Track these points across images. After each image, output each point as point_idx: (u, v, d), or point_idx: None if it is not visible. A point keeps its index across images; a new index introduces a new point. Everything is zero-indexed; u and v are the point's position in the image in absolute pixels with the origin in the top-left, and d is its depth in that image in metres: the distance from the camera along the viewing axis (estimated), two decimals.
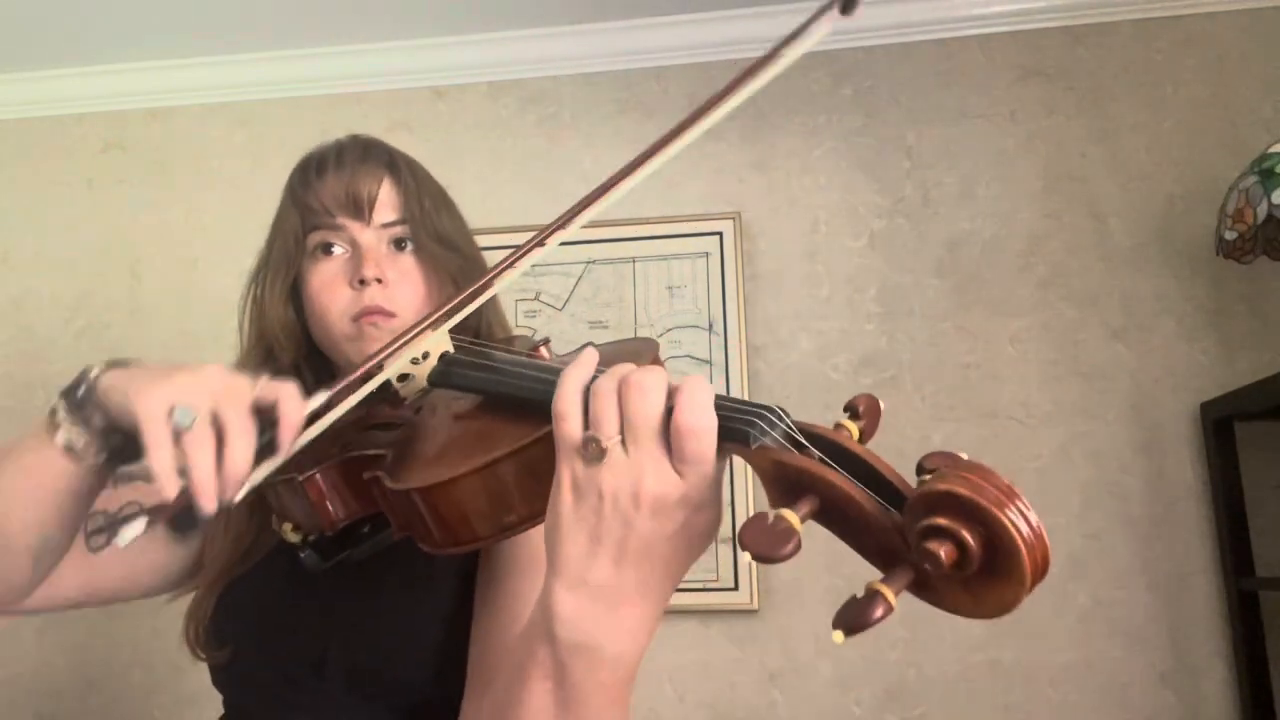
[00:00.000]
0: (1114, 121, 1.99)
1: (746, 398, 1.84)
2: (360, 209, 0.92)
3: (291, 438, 0.67)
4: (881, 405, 0.54)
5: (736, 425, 0.51)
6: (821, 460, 0.48)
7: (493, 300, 1.00)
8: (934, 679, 1.82)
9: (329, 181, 0.94)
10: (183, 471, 0.63)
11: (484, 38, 2.17)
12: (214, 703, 0.95)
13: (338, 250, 0.93)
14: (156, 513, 0.63)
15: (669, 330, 2.00)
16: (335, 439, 0.77)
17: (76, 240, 2.26)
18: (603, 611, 0.55)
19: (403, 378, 0.76)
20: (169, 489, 0.63)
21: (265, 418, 0.67)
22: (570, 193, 2.12)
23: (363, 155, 0.97)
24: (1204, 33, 2.00)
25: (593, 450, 0.53)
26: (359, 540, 0.85)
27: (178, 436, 0.64)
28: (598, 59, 2.17)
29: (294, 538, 0.82)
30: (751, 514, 0.47)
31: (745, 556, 0.45)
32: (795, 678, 1.84)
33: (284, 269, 0.95)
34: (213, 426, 0.64)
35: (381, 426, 0.78)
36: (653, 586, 0.55)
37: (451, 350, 0.77)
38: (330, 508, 0.76)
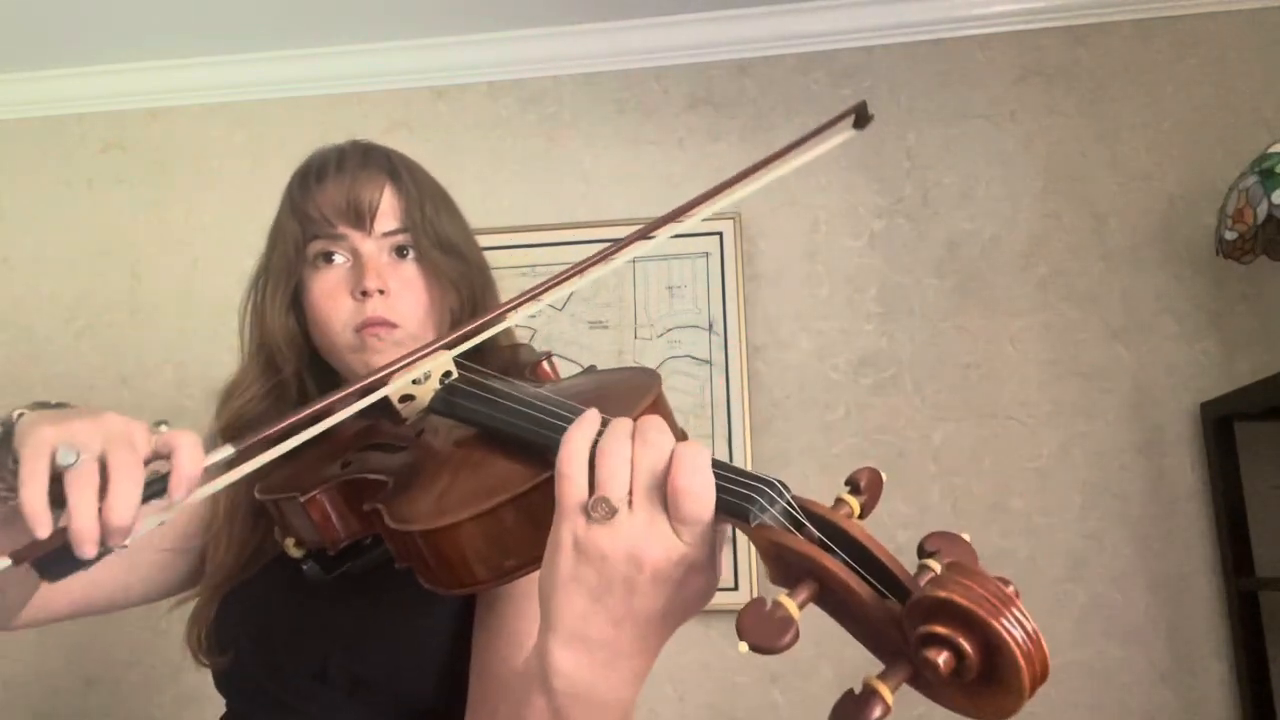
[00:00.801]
0: (1114, 121, 1.99)
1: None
2: (361, 218, 0.91)
3: (183, 490, 0.63)
4: (883, 478, 0.54)
5: (736, 501, 0.51)
6: (821, 543, 0.48)
7: (494, 300, 1.00)
8: None
9: (329, 190, 0.92)
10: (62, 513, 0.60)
11: (484, 38, 2.17)
12: (214, 702, 0.95)
13: (339, 259, 0.92)
14: (26, 552, 0.59)
15: (669, 330, 2.00)
16: (337, 456, 0.77)
17: (76, 240, 2.26)
18: (599, 665, 0.55)
19: (405, 398, 0.76)
20: (39, 527, 0.59)
21: (161, 465, 0.64)
22: (570, 193, 2.12)
23: (363, 162, 0.95)
24: (1204, 33, 2.00)
25: (602, 511, 0.53)
26: (361, 553, 0.85)
27: (58, 475, 0.60)
28: (598, 59, 2.17)
29: (296, 552, 0.82)
30: (752, 597, 0.47)
31: (742, 647, 0.45)
32: (795, 678, 1.84)
33: (284, 278, 0.94)
34: (98, 467, 0.60)
35: (382, 447, 0.77)
36: (650, 642, 0.55)
37: (454, 372, 0.76)
38: (332, 527, 0.75)
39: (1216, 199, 1.80)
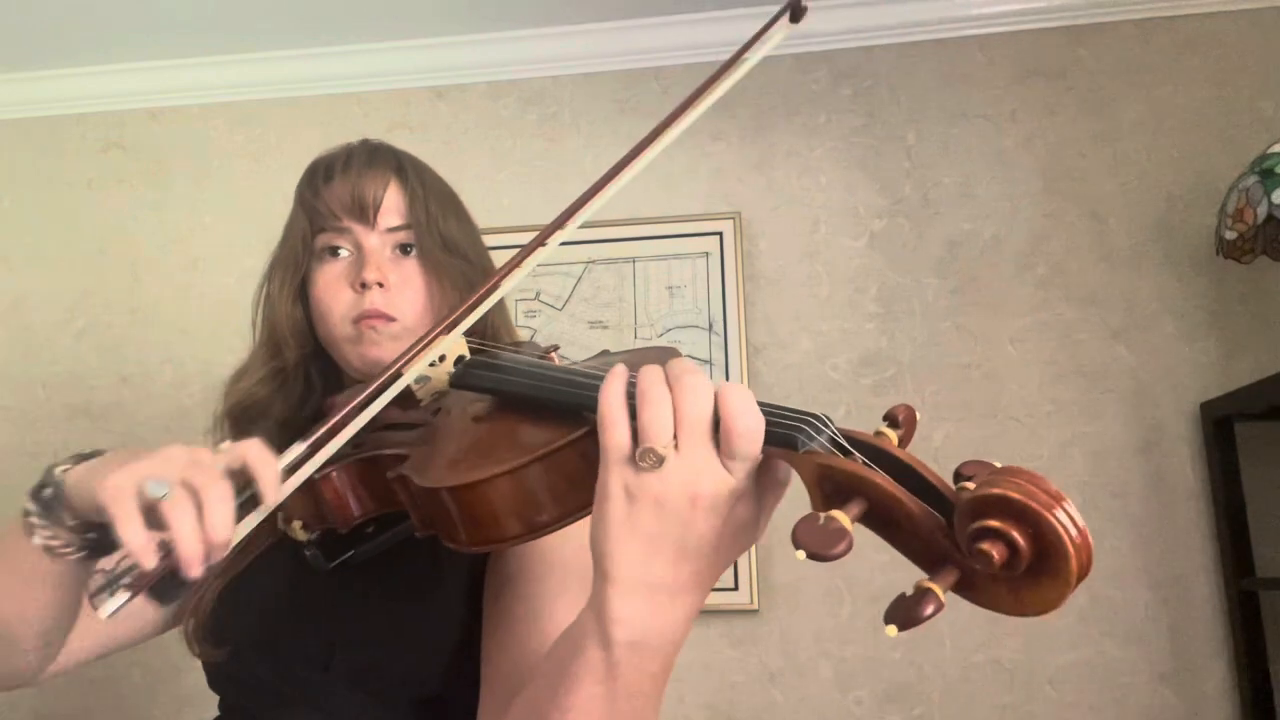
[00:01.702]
0: (1114, 121, 1.99)
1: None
2: (365, 212, 0.93)
3: (275, 493, 0.65)
4: (918, 415, 0.56)
5: (784, 431, 0.53)
6: (866, 464, 0.50)
7: (500, 306, 1.00)
8: (934, 679, 1.82)
9: (335, 185, 0.95)
10: (162, 543, 0.62)
11: (484, 38, 2.17)
12: (213, 703, 0.95)
13: (343, 253, 0.95)
14: (141, 583, 0.62)
15: (669, 330, 2.00)
16: (350, 440, 0.78)
17: (76, 240, 2.26)
18: (661, 607, 0.56)
19: (419, 380, 0.77)
20: (147, 561, 0.61)
21: (240, 480, 0.66)
22: (571, 193, 2.11)
23: (369, 159, 0.97)
24: (1204, 33, 2.00)
25: (650, 459, 0.54)
26: (363, 540, 0.85)
27: (152, 509, 0.62)
28: (598, 59, 2.17)
29: (302, 535, 0.82)
30: (803, 515, 0.48)
31: (800, 554, 0.47)
32: (795, 678, 1.84)
33: (293, 269, 0.96)
34: (188, 493, 0.63)
35: (397, 427, 0.78)
36: (706, 575, 0.56)
37: (467, 353, 0.77)
38: (347, 505, 0.76)
39: (1216, 199, 1.80)
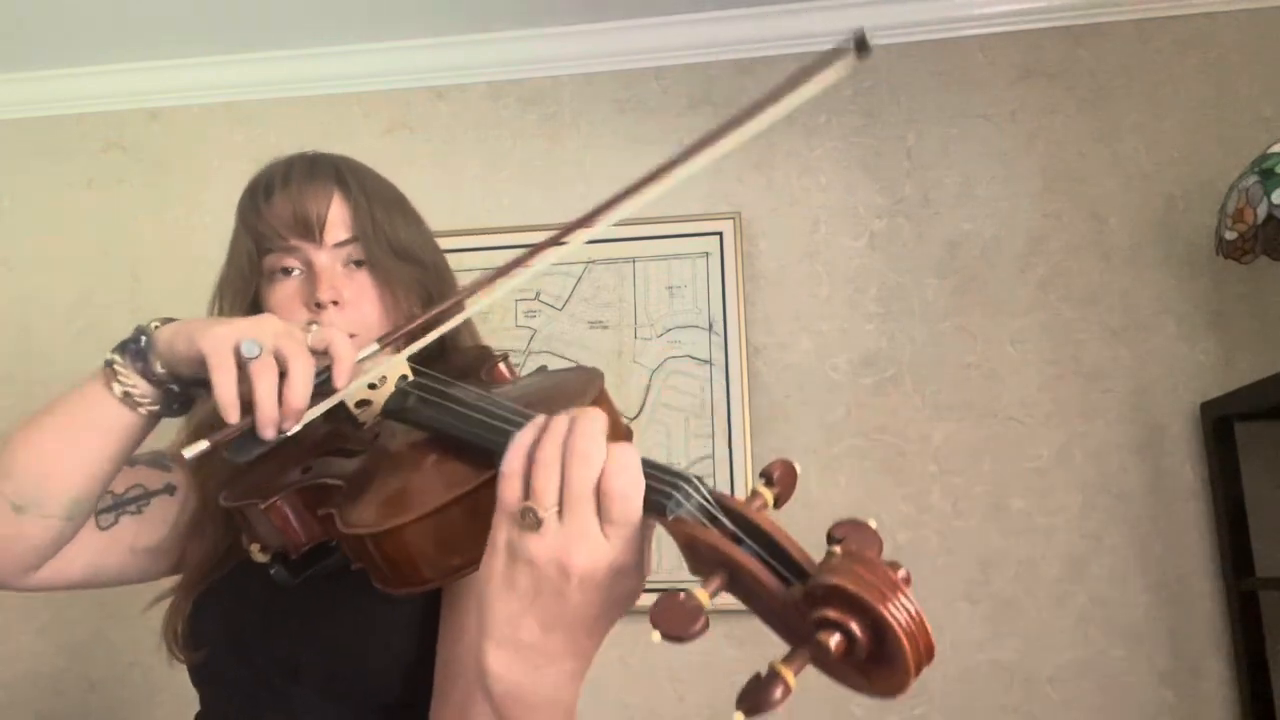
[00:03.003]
0: (1114, 121, 1.99)
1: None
2: (310, 230, 0.91)
3: (346, 377, 0.72)
4: (797, 469, 0.56)
5: (655, 497, 0.54)
6: (732, 535, 0.51)
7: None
8: (934, 679, 1.82)
9: (276, 204, 0.93)
10: (246, 402, 0.68)
11: (484, 38, 2.17)
12: None
13: (295, 272, 0.93)
14: (220, 436, 0.68)
15: (669, 330, 2.00)
16: (298, 461, 0.79)
17: (76, 240, 2.26)
18: (531, 668, 0.56)
19: (361, 403, 0.77)
20: (231, 414, 0.68)
21: (321, 360, 0.72)
22: (570, 193, 2.12)
23: (309, 173, 0.95)
24: (1204, 33, 2.00)
25: (529, 520, 0.54)
26: (326, 555, 0.86)
27: (243, 367, 0.69)
28: (598, 59, 2.17)
29: (262, 558, 0.83)
30: (665, 591, 0.49)
31: (655, 635, 0.47)
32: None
33: (242, 293, 0.95)
34: (276, 359, 0.69)
35: (342, 451, 0.79)
36: (580, 645, 0.57)
37: (410, 375, 0.78)
38: (293, 531, 0.77)
39: (1216, 199, 1.80)
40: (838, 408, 1.95)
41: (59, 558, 0.87)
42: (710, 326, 1.99)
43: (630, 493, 0.53)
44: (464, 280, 0.92)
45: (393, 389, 0.77)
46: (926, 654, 0.44)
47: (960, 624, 1.83)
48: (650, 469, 0.55)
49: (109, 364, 0.78)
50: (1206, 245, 1.86)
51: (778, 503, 0.54)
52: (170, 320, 0.79)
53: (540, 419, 0.59)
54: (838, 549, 0.48)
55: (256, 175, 0.99)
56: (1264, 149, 1.66)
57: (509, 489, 0.56)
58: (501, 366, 0.88)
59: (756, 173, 2.08)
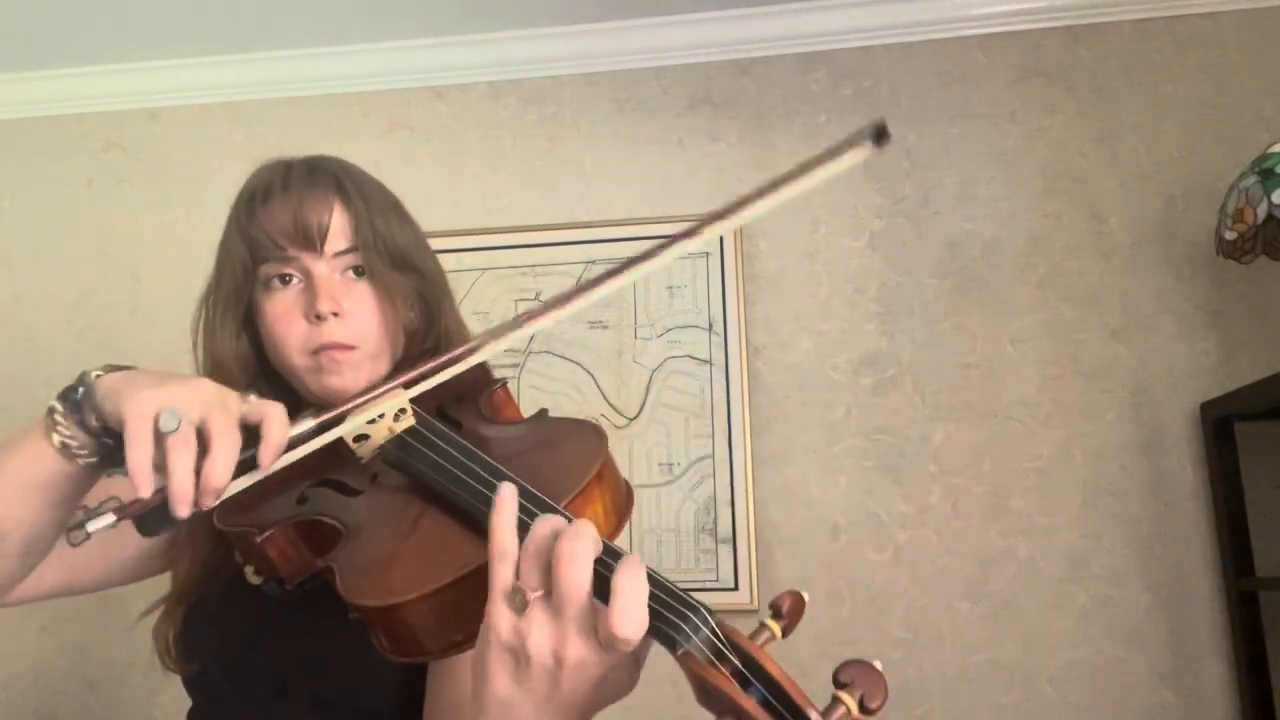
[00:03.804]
0: (1114, 121, 1.99)
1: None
2: (311, 240, 0.89)
3: (272, 458, 0.68)
4: (805, 599, 0.56)
5: (665, 629, 0.53)
6: (740, 677, 0.51)
7: (450, 307, 0.99)
8: (934, 679, 1.82)
9: (275, 212, 0.90)
10: (160, 473, 0.64)
11: (484, 38, 2.17)
12: None
13: (293, 280, 0.90)
14: (128, 510, 0.64)
15: (669, 330, 2.00)
16: (293, 486, 0.78)
17: (76, 240, 2.26)
18: None
19: (360, 438, 0.76)
20: (143, 488, 0.64)
21: (250, 434, 0.68)
22: (570, 193, 2.12)
23: (309, 180, 0.92)
24: (1204, 33, 2.00)
25: (518, 601, 0.54)
26: (318, 576, 0.85)
27: (160, 439, 0.64)
28: (598, 59, 2.17)
29: (256, 580, 0.83)
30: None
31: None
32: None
33: (234, 301, 0.93)
34: (197, 433, 0.65)
35: (340, 486, 0.78)
36: None
37: (408, 409, 0.76)
38: (289, 563, 0.76)
39: (1216, 199, 1.80)
40: (838, 408, 1.95)
41: (29, 579, 0.86)
42: (710, 326, 1.99)
43: (634, 633, 0.52)
44: (461, 284, 0.92)
45: (392, 424, 0.75)
46: None
47: (960, 624, 1.83)
48: (660, 594, 0.54)
49: (50, 411, 0.75)
50: (1206, 245, 1.86)
51: (784, 633, 0.55)
52: (116, 369, 0.76)
53: (513, 500, 0.59)
54: (845, 695, 0.49)
55: (251, 180, 0.96)
56: (1264, 149, 1.66)
57: (499, 569, 0.56)
58: (500, 394, 0.87)
59: (756, 173, 2.07)
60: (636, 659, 0.55)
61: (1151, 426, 1.86)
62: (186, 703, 0.96)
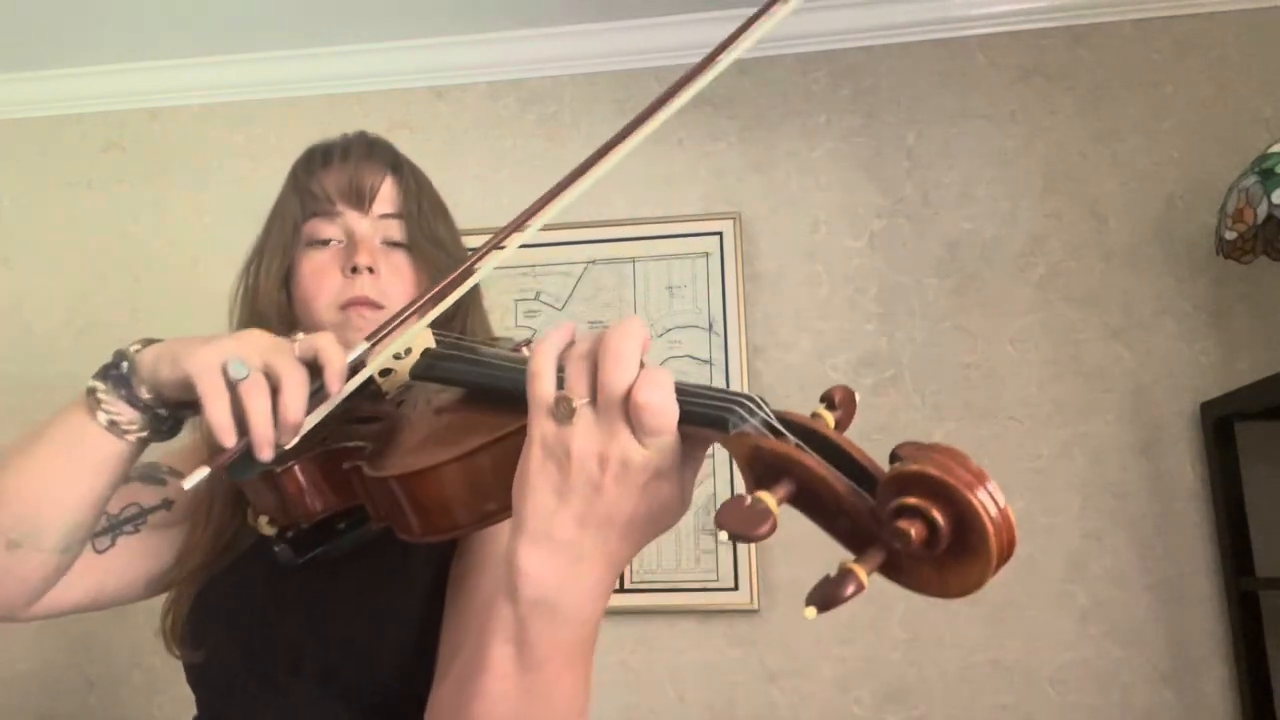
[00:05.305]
0: (1114, 121, 1.99)
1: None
2: (361, 198, 0.94)
3: (339, 383, 0.71)
4: (856, 396, 0.55)
5: (715, 412, 0.52)
6: (797, 445, 0.49)
7: (476, 303, 1.01)
8: (934, 679, 1.82)
9: (333, 170, 0.96)
10: (239, 422, 0.67)
11: (484, 38, 2.17)
12: None
13: (333, 243, 0.95)
14: (218, 462, 0.67)
15: (669, 330, 2.00)
16: (315, 433, 0.78)
17: (76, 240, 2.26)
18: (563, 567, 0.55)
19: (385, 372, 0.77)
20: (226, 438, 0.67)
21: (311, 369, 0.71)
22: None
23: (369, 151, 0.99)
24: (1204, 33, 2.00)
25: (563, 410, 0.53)
26: (334, 535, 0.85)
27: (233, 389, 0.68)
28: (598, 59, 2.17)
29: (269, 530, 0.82)
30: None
31: (723, 535, 0.46)
32: (795, 678, 1.84)
33: (280, 254, 0.97)
34: (266, 377, 0.68)
35: (362, 420, 0.78)
36: (613, 549, 0.55)
37: (434, 345, 0.77)
38: (307, 500, 0.76)
39: (1216, 199, 1.80)
40: None
41: (56, 590, 0.86)
42: (710, 327, 1.99)
43: (661, 405, 0.51)
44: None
45: (418, 358, 0.76)
46: (1009, 548, 0.42)
47: (960, 624, 1.83)
48: (708, 390, 0.54)
49: (91, 391, 0.76)
50: (1206, 245, 1.86)
51: (839, 427, 0.53)
52: (150, 341, 0.77)
53: (569, 325, 0.59)
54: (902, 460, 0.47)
55: (316, 144, 1.01)
56: (1264, 149, 1.66)
57: (538, 384, 0.55)
58: (525, 350, 0.88)
59: (756, 173, 2.08)
60: (680, 471, 0.54)
61: (1151, 426, 1.86)
62: (187, 702, 0.95)
